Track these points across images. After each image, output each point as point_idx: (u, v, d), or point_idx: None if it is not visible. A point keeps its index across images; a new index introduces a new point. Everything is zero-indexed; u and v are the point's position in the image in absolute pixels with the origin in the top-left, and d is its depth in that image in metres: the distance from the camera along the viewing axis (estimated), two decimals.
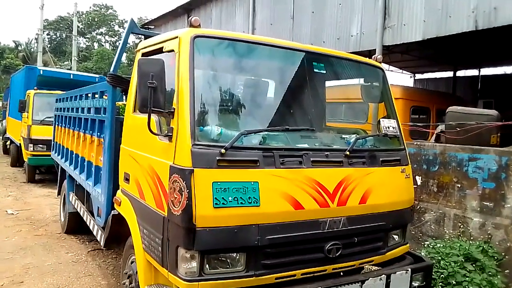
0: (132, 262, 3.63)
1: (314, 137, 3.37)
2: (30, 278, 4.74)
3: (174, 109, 2.85)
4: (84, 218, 5.37)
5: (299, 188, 2.92)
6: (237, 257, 2.78)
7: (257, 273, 2.79)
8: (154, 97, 2.75)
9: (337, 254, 3.08)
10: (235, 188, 2.69)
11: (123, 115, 4.07)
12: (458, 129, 5.17)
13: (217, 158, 2.68)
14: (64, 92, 7.57)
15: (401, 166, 3.60)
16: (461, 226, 4.75)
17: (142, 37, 4.60)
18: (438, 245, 4.33)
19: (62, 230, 6.55)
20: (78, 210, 5.68)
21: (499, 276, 3.98)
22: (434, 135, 6.08)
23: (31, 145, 10.40)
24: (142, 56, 3.56)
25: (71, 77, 12.50)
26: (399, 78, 16.05)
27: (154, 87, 2.74)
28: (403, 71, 15.85)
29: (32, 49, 39.09)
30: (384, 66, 3.98)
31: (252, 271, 2.78)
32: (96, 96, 4.93)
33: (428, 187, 5.19)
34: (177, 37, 3.01)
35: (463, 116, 5.25)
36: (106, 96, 4.47)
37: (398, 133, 3.69)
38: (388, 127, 3.60)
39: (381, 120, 3.65)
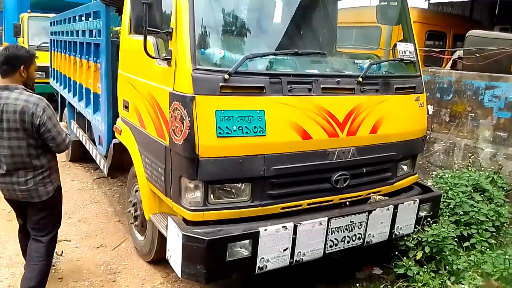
0: (136, 191, 3.60)
1: (324, 62, 3.14)
2: None
3: (172, 29, 2.60)
4: (87, 147, 5.31)
5: (307, 117, 2.77)
6: (242, 187, 2.72)
7: (263, 203, 2.74)
8: (149, 16, 2.49)
9: (344, 185, 3.01)
10: (239, 117, 2.53)
11: None
12: (477, 55, 4.84)
13: (220, 84, 2.50)
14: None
15: (415, 94, 3.40)
16: (471, 156, 4.64)
17: None
18: (447, 175, 4.25)
19: (66, 158, 6.54)
20: (80, 138, 5.61)
21: (506, 207, 3.94)
22: (451, 61, 5.75)
23: None
24: None
25: None
26: (413, 1, 15.11)
27: (149, 3, 2.46)
28: None
29: None
30: None
31: (258, 201, 2.73)
32: (90, 18, 4.60)
33: (439, 116, 5.00)
34: None
35: (484, 41, 4.89)
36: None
37: (415, 58, 3.43)
38: (405, 52, 3.34)
39: (397, 43, 3.39)
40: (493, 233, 3.64)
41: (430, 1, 15.88)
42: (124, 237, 4.05)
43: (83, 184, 5.57)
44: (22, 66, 2.71)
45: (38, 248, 2.83)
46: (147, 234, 3.47)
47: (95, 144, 4.82)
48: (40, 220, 2.85)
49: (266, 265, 2.66)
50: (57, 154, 2.87)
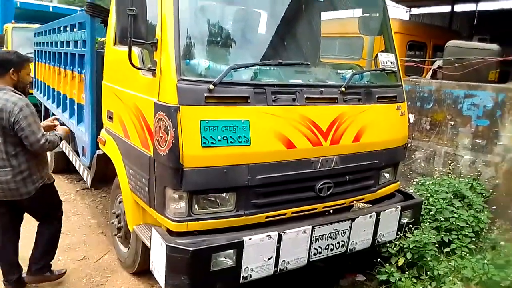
0: (120, 202, 3.57)
1: (308, 72, 3.19)
2: None
3: (157, 40, 2.62)
4: (70, 158, 5.25)
5: (291, 126, 2.80)
6: (227, 197, 2.72)
7: (247, 213, 2.75)
8: (134, 27, 2.50)
9: (328, 193, 3.04)
10: (224, 127, 2.55)
11: None
12: (457, 64, 4.98)
13: (205, 94, 2.51)
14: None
15: (396, 103, 3.47)
16: (451, 163, 4.75)
17: None
18: (427, 182, 4.34)
19: (49, 169, 6.44)
20: (64, 149, 5.54)
21: (485, 212, 4.04)
22: (431, 71, 5.90)
23: None
24: None
25: (51, 9, 11.71)
26: (395, 13, 15.42)
27: (134, 14, 2.47)
28: (399, 5, 15.19)
29: None
30: None
31: (242, 211, 2.74)
32: (75, 29, 4.58)
33: (420, 125, 5.12)
34: None
35: (463, 51, 5.04)
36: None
37: (396, 68, 3.52)
38: (386, 62, 3.42)
39: (379, 54, 3.46)
40: (473, 239, 3.72)
41: (411, 12, 16.25)
42: (108, 249, 4.00)
43: (66, 195, 5.47)
44: (12, 69, 2.89)
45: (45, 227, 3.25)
46: (130, 245, 3.44)
47: (78, 155, 4.77)
48: (35, 214, 3.22)
49: (251, 275, 2.66)
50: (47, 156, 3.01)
